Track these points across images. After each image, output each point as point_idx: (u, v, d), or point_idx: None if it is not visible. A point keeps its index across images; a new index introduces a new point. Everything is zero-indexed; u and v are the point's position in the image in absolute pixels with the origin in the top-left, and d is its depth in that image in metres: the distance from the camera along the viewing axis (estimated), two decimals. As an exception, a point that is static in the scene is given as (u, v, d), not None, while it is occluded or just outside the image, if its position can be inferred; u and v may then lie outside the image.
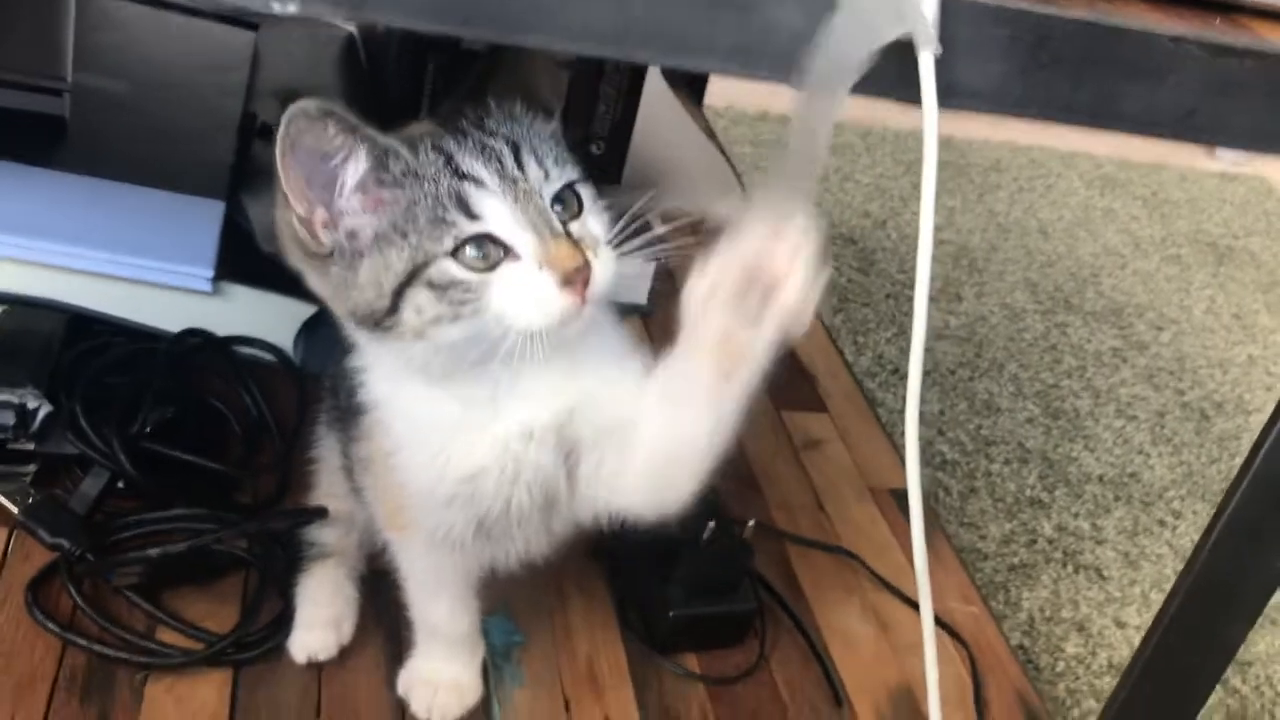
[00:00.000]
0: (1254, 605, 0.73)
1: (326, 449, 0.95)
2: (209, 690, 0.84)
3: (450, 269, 0.63)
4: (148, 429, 0.95)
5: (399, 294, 0.64)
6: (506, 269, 0.64)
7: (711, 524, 0.95)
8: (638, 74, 1.30)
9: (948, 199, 2.46)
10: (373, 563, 0.92)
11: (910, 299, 0.61)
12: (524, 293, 0.64)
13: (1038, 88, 0.55)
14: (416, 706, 0.85)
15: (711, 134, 1.83)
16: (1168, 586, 0.77)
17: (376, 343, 0.69)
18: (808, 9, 0.50)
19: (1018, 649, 1.36)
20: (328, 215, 0.64)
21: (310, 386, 1.05)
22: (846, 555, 1.10)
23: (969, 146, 2.72)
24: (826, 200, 2.32)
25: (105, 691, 0.82)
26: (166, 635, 0.86)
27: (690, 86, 1.92)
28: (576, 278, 0.64)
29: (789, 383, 1.34)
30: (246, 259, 1.07)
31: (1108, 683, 1.36)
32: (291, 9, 0.49)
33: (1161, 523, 1.65)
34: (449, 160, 0.64)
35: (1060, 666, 1.37)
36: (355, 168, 0.63)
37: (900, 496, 1.16)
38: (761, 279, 0.60)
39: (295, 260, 0.67)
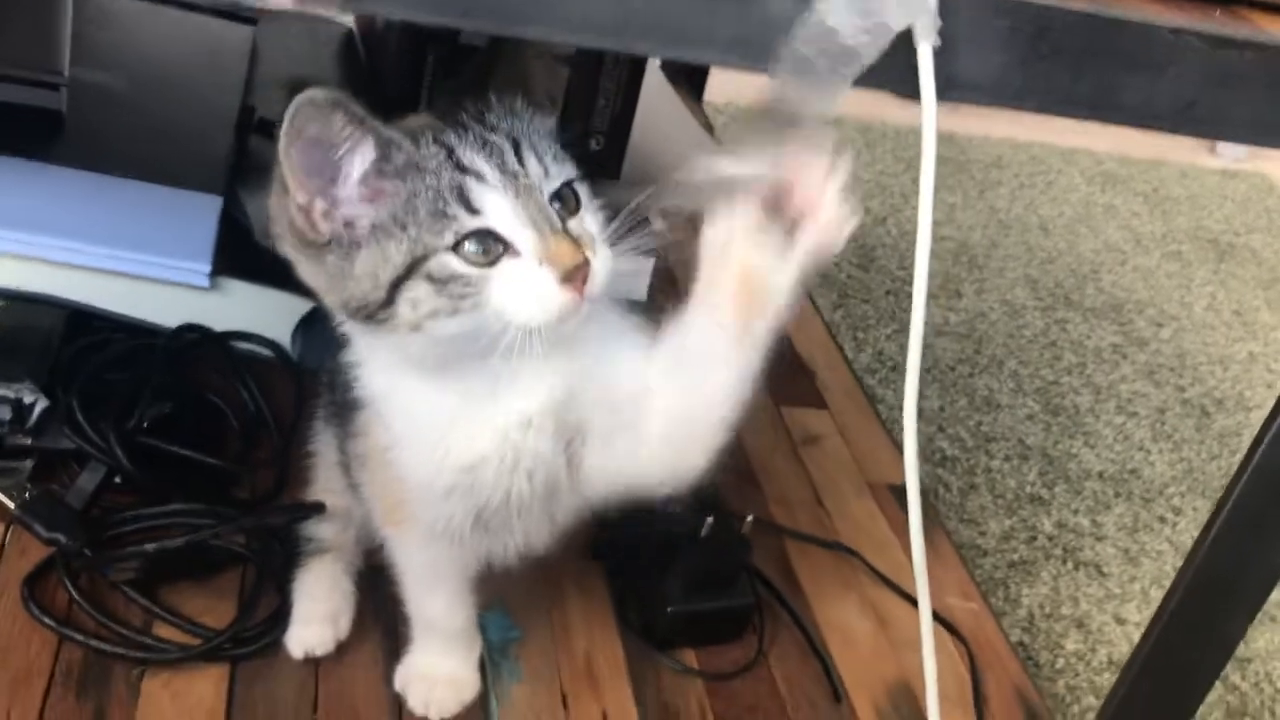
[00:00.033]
0: (1254, 600, 0.73)
1: (323, 444, 0.95)
2: (206, 685, 0.84)
3: (450, 263, 0.63)
4: (145, 424, 0.95)
5: (396, 286, 0.63)
6: (506, 265, 0.64)
7: (710, 519, 0.95)
8: (637, 68, 1.30)
9: (948, 195, 2.45)
10: (370, 558, 0.92)
11: (910, 295, 0.60)
12: (524, 289, 0.64)
13: (1037, 80, 0.55)
14: (413, 702, 0.85)
15: (711, 129, 1.83)
16: (1168, 583, 0.77)
17: (369, 336, 0.69)
18: (807, 0, 0.50)
19: (1017, 645, 1.35)
20: (327, 205, 0.64)
21: (308, 381, 1.05)
22: (845, 551, 1.10)
23: (969, 143, 2.72)
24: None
25: (101, 687, 0.82)
26: (163, 630, 0.86)
27: (690, 81, 1.91)
28: (576, 275, 0.64)
29: (788, 378, 1.34)
30: (244, 254, 1.07)
31: (1107, 679, 1.36)
32: (287, 2, 0.49)
33: (1162, 519, 1.65)
34: (450, 153, 0.64)
35: (1060, 663, 1.37)
36: (361, 159, 0.63)
37: (899, 492, 1.16)
38: (788, 209, 0.59)
39: (289, 249, 0.66)
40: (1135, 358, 2.03)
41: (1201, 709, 1.34)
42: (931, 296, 2.05)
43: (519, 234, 0.64)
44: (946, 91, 0.53)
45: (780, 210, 0.60)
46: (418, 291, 0.63)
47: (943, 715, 0.83)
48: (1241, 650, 1.45)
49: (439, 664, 0.87)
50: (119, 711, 0.80)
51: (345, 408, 0.81)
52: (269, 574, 0.90)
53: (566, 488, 0.74)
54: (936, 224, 2.41)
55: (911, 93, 0.52)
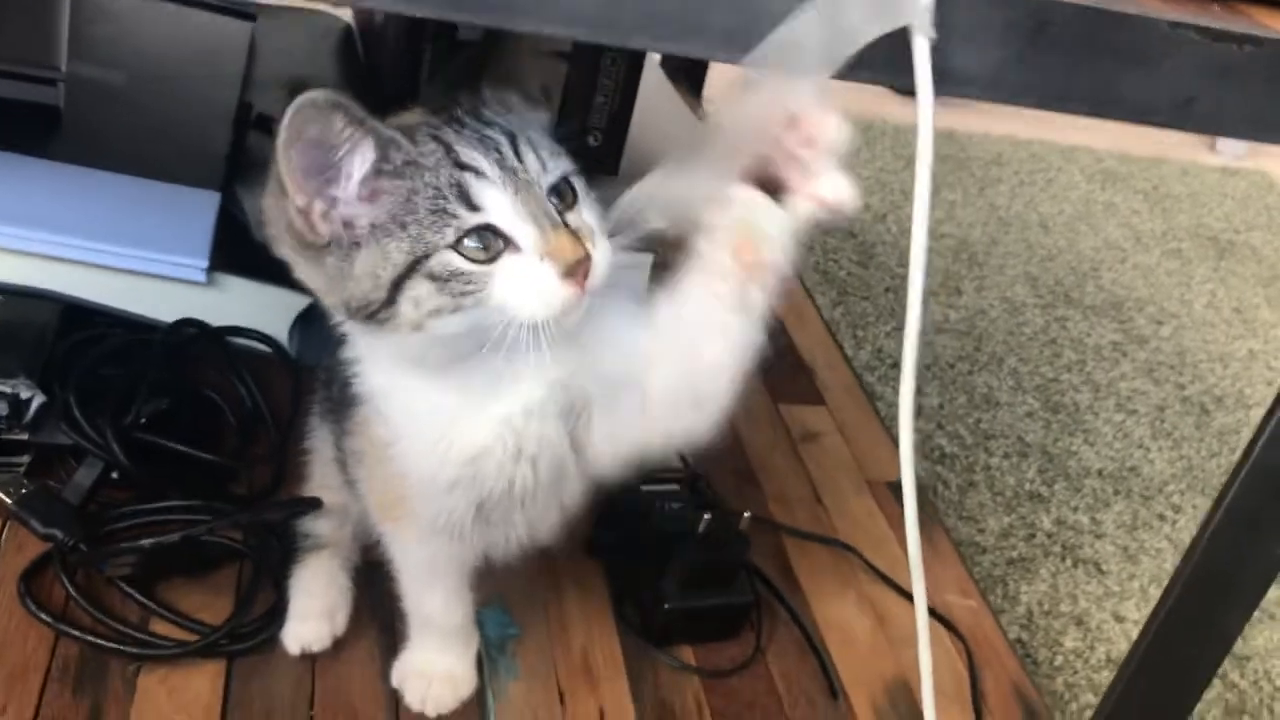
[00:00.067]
0: (1252, 595, 0.73)
1: (320, 441, 0.94)
2: (202, 681, 0.83)
3: (452, 260, 0.63)
4: (142, 420, 0.95)
5: (397, 286, 0.63)
6: (507, 260, 0.63)
7: (707, 516, 0.95)
8: (635, 65, 1.29)
9: (948, 193, 2.45)
10: (367, 554, 0.92)
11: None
12: (526, 284, 0.63)
13: (1034, 74, 0.54)
14: (410, 698, 0.85)
15: (710, 126, 1.82)
16: (1167, 581, 0.77)
17: (370, 335, 0.69)
18: (800, -6, 0.49)
19: (1016, 643, 1.35)
20: (326, 206, 0.63)
21: (305, 378, 1.04)
22: (843, 548, 1.09)
23: (970, 140, 2.71)
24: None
25: (98, 682, 0.82)
26: (160, 626, 0.86)
27: (689, 78, 1.91)
28: (577, 269, 0.63)
29: (787, 376, 1.34)
30: (241, 250, 1.06)
31: (1106, 677, 1.36)
32: (283, -4, 0.48)
33: (1161, 517, 1.65)
34: (448, 150, 0.64)
35: (1058, 660, 1.37)
36: (362, 159, 0.63)
37: (898, 489, 1.15)
38: (783, 173, 0.58)
39: (286, 251, 0.66)
40: (1135, 355, 2.03)
41: (1200, 706, 1.34)
42: (931, 294, 2.05)
43: (520, 229, 0.63)
44: (943, 86, 0.53)
45: (774, 177, 0.59)
46: (419, 290, 0.63)
47: (941, 712, 0.82)
48: (1240, 648, 1.45)
49: (436, 660, 0.87)
50: (115, 707, 0.80)
51: (342, 404, 0.81)
52: (266, 570, 0.90)
53: (574, 469, 0.74)
54: (937, 221, 2.41)
55: (908, 87, 0.52)
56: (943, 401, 1.78)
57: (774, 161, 0.60)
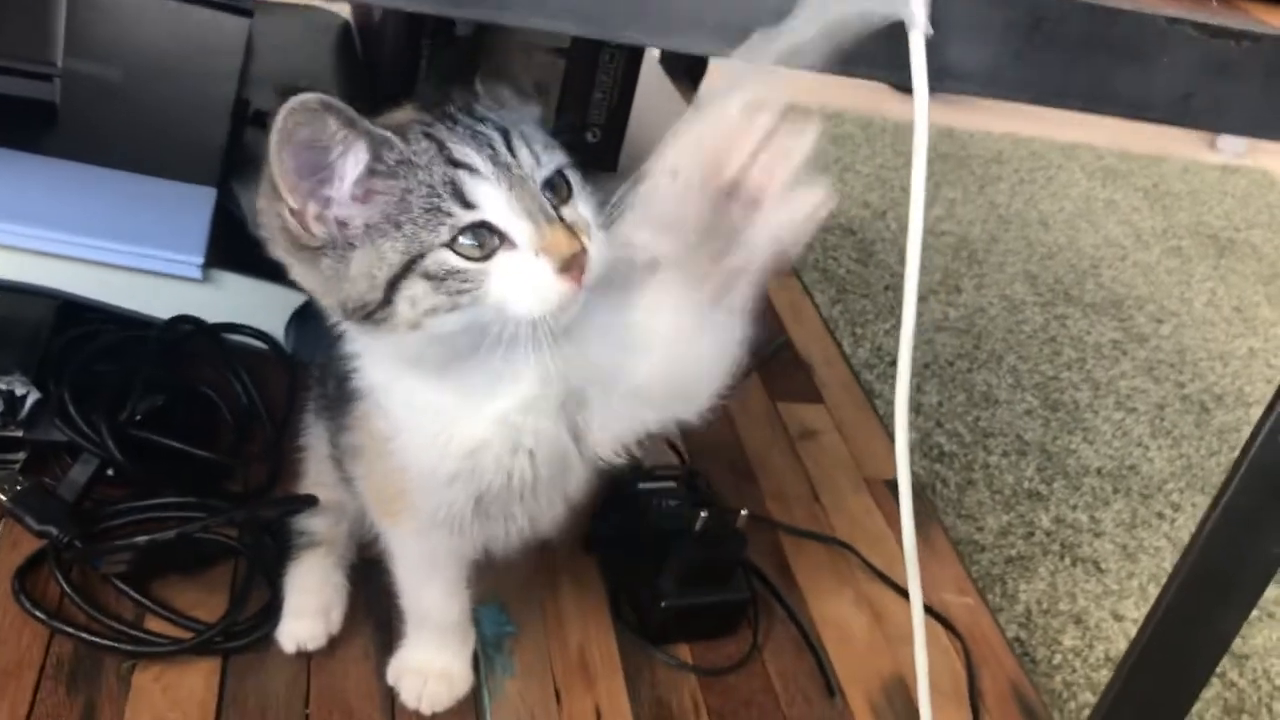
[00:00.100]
0: (1250, 593, 0.73)
1: (315, 437, 0.94)
2: (197, 679, 0.83)
3: (447, 259, 0.62)
4: (137, 416, 0.95)
5: (393, 286, 0.63)
6: (503, 257, 0.63)
7: (704, 514, 0.94)
8: (634, 60, 1.29)
9: (948, 190, 2.45)
10: (363, 552, 0.92)
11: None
12: (522, 280, 0.63)
13: (1031, 70, 0.54)
14: (406, 696, 0.85)
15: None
16: (1166, 580, 0.77)
17: (368, 335, 0.69)
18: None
19: (1014, 641, 1.35)
20: (320, 208, 0.63)
21: (301, 374, 1.04)
22: (840, 546, 1.09)
23: (970, 138, 2.71)
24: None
25: (92, 680, 0.81)
26: (154, 624, 0.86)
27: (689, 75, 1.91)
28: (573, 264, 0.63)
29: (785, 373, 1.33)
30: (238, 246, 1.06)
31: (1104, 675, 1.36)
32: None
33: (1160, 515, 1.64)
34: (441, 148, 0.63)
35: (1057, 659, 1.37)
36: (354, 160, 0.63)
37: (896, 487, 1.16)
38: (739, 191, 0.57)
39: (280, 253, 0.66)
40: (1135, 353, 2.02)
41: (1199, 706, 1.34)
42: (931, 292, 2.05)
43: (514, 225, 0.63)
44: (939, 82, 0.53)
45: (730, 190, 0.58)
46: (415, 289, 0.63)
47: (938, 711, 0.82)
48: (1239, 647, 1.45)
49: (433, 658, 0.86)
50: (109, 705, 0.80)
51: (338, 400, 0.81)
52: (261, 567, 0.90)
53: (575, 460, 0.74)
54: (936, 219, 2.41)
55: (905, 83, 0.52)
56: (942, 399, 1.77)
57: (742, 184, 0.59)
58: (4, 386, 0.92)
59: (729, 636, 0.97)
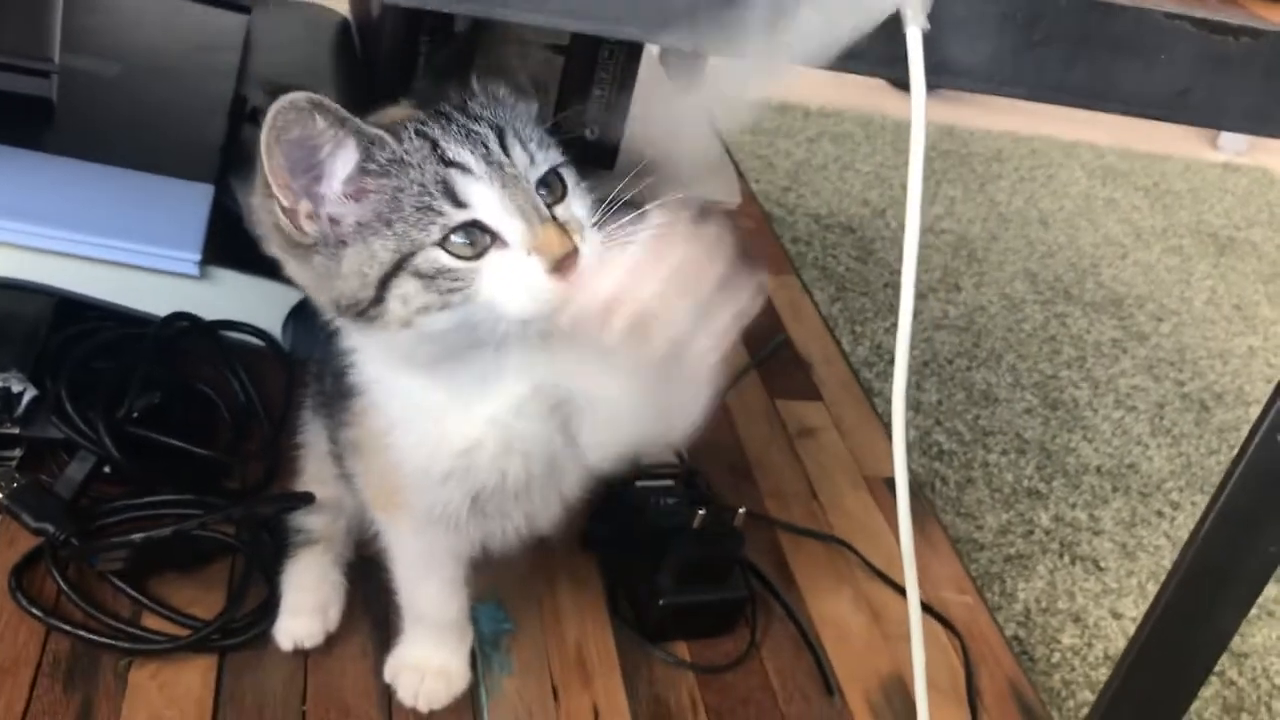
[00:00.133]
0: (1249, 592, 0.73)
1: (313, 434, 0.94)
2: (194, 677, 0.83)
3: (439, 258, 0.62)
4: (134, 413, 0.94)
5: (384, 284, 0.63)
6: (495, 256, 0.63)
7: (703, 512, 0.94)
8: (633, 58, 1.29)
9: (948, 188, 2.45)
10: (360, 549, 0.92)
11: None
12: (513, 280, 0.63)
13: (1029, 66, 0.54)
14: (403, 693, 0.85)
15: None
16: (1165, 578, 0.77)
17: (361, 332, 0.69)
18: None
19: (1013, 640, 1.35)
20: (312, 206, 0.63)
21: (299, 372, 1.04)
22: (839, 544, 1.09)
23: (970, 136, 2.71)
24: (825, 189, 2.31)
25: (89, 677, 0.81)
26: (151, 621, 0.85)
27: (688, 71, 1.90)
28: (565, 263, 0.63)
29: (784, 371, 1.33)
30: (235, 243, 1.05)
31: (1103, 674, 1.35)
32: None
33: (1159, 514, 1.64)
34: (434, 146, 0.63)
35: (1056, 657, 1.37)
36: (344, 159, 0.63)
37: (894, 485, 1.15)
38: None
39: (274, 249, 0.66)
40: (1135, 352, 2.02)
41: (1198, 704, 1.34)
42: (930, 290, 2.04)
43: (506, 224, 0.63)
44: (937, 78, 0.53)
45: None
46: (407, 288, 0.63)
47: (936, 709, 0.82)
48: (1239, 645, 1.45)
49: (430, 655, 0.86)
50: (106, 702, 0.80)
51: (336, 397, 0.81)
52: (258, 565, 0.90)
53: (568, 463, 0.74)
54: (936, 217, 2.40)
55: (901, 78, 0.52)
56: (941, 398, 1.77)
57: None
58: (1, 383, 0.92)
59: (727, 634, 0.97)
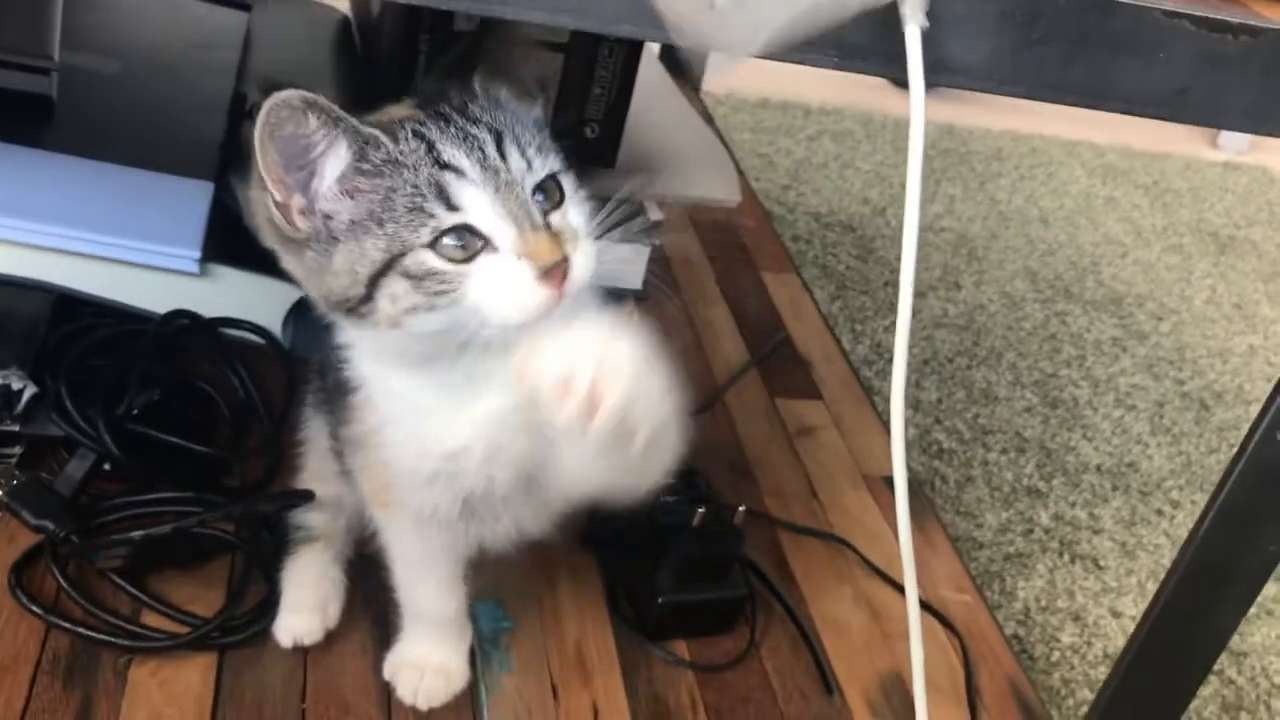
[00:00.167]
0: (1248, 591, 0.73)
1: (314, 431, 0.94)
2: (193, 674, 0.83)
3: (427, 260, 0.62)
4: (134, 411, 0.94)
5: (374, 282, 0.63)
6: (484, 260, 0.63)
7: (702, 510, 0.94)
8: (633, 56, 1.29)
9: (948, 187, 2.45)
10: (360, 547, 0.92)
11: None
12: (501, 285, 0.63)
13: (1028, 65, 0.54)
14: (402, 691, 0.85)
15: (709, 119, 1.82)
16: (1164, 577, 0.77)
17: (353, 328, 0.69)
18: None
19: (1012, 638, 1.35)
20: (305, 202, 0.64)
21: (299, 369, 1.04)
22: (839, 542, 1.09)
23: (970, 134, 2.71)
24: (826, 187, 2.31)
25: (89, 675, 0.81)
26: (151, 618, 0.85)
27: (688, 69, 1.91)
28: (555, 271, 0.63)
29: (784, 370, 1.33)
30: (235, 240, 1.06)
31: (1103, 673, 1.35)
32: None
33: (1159, 513, 1.64)
34: (430, 148, 0.63)
35: (1055, 656, 1.37)
36: (336, 158, 0.63)
37: (894, 484, 1.15)
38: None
39: (270, 242, 0.66)
40: (1135, 351, 2.02)
41: (1197, 703, 1.34)
42: (930, 288, 2.04)
43: (497, 229, 0.63)
44: (936, 76, 0.53)
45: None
46: (395, 288, 0.63)
47: (936, 708, 0.82)
48: (1238, 644, 1.45)
49: (429, 653, 0.86)
50: (106, 700, 0.80)
51: (337, 393, 0.81)
52: (258, 562, 0.90)
53: (545, 481, 0.73)
54: (936, 216, 2.40)
55: (900, 76, 0.52)
56: (941, 396, 1.77)
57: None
58: (0, 381, 0.92)
59: (726, 633, 0.97)
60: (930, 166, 2.49)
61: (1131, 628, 1.39)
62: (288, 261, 0.67)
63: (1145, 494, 1.67)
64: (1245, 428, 1.89)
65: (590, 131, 1.30)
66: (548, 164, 0.66)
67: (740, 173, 1.67)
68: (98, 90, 1.11)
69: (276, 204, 0.63)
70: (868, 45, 0.52)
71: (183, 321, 1.06)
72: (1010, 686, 1.00)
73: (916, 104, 0.53)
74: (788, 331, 1.40)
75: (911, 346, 1.80)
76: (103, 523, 0.90)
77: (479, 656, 0.89)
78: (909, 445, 1.62)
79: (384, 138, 0.63)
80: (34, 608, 0.83)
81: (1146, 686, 0.78)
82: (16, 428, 0.93)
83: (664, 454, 0.68)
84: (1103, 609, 1.45)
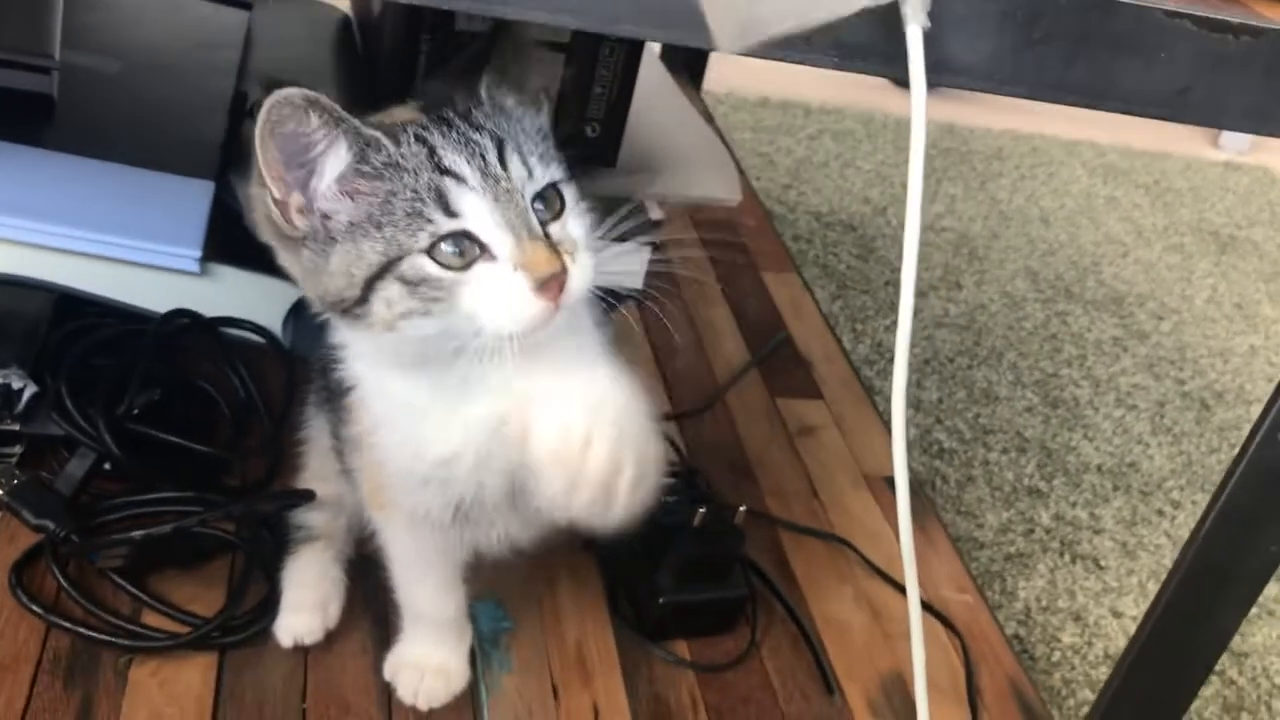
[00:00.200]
0: (1249, 591, 0.73)
1: (316, 430, 0.94)
2: (194, 674, 0.83)
3: (424, 265, 0.62)
4: (134, 410, 0.94)
5: (370, 285, 0.63)
6: (481, 268, 0.63)
7: (703, 510, 0.94)
8: (634, 55, 1.29)
9: (949, 186, 2.44)
10: (361, 547, 0.92)
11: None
12: (497, 294, 0.63)
13: (1029, 65, 0.54)
14: (403, 691, 0.85)
15: (710, 118, 1.82)
16: (1165, 577, 0.77)
17: (348, 328, 0.69)
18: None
19: (1013, 638, 1.35)
20: (304, 201, 0.64)
21: (300, 368, 1.04)
22: (839, 542, 1.09)
23: (971, 134, 2.71)
24: (826, 186, 2.31)
25: (89, 674, 0.81)
26: (151, 618, 0.85)
27: (689, 70, 1.91)
28: (552, 283, 0.63)
29: (784, 369, 1.33)
30: (236, 240, 1.05)
31: (1103, 673, 1.35)
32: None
33: (1160, 513, 1.64)
34: (431, 153, 0.63)
35: (1056, 656, 1.37)
36: (336, 159, 0.63)
37: (895, 484, 1.15)
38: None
39: (268, 238, 0.66)
40: (1135, 350, 2.02)
41: (1198, 703, 1.34)
42: (931, 288, 2.04)
43: (495, 238, 0.63)
44: (937, 76, 0.53)
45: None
46: (391, 291, 0.63)
47: (936, 708, 0.82)
48: (1239, 645, 1.45)
49: (429, 654, 0.86)
50: (106, 699, 0.80)
51: (339, 392, 0.81)
52: (258, 562, 0.90)
53: (531, 492, 0.73)
54: (937, 215, 2.40)
55: (901, 76, 0.52)
56: (942, 396, 1.77)
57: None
58: (1, 380, 0.92)
59: (727, 633, 0.97)
60: (931, 166, 2.49)
61: (1132, 628, 1.39)
62: (285, 259, 0.67)
63: (1146, 494, 1.67)
64: (1246, 428, 1.89)
65: (591, 131, 1.30)
66: (549, 173, 0.66)
67: (741, 172, 1.67)
68: (99, 89, 1.11)
69: (275, 201, 0.63)
70: (869, 45, 0.52)
71: (183, 321, 1.06)
72: (1011, 687, 1.00)
73: (918, 104, 0.53)
74: (788, 331, 1.40)
75: (912, 346, 1.80)
76: (103, 522, 0.90)
77: (479, 656, 0.89)
78: (910, 445, 1.62)
79: (385, 140, 0.63)
80: (34, 607, 0.83)
81: (1148, 687, 0.78)
82: (17, 427, 0.93)
83: (644, 495, 0.67)
84: (1103, 609, 1.45)
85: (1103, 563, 1.52)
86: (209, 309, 1.07)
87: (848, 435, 1.25)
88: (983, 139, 2.70)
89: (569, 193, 0.67)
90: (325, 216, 0.63)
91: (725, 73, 2.33)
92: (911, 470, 0.66)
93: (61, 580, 0.85)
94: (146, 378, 0.97)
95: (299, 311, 1.09)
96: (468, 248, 0.63)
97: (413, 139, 0.63)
